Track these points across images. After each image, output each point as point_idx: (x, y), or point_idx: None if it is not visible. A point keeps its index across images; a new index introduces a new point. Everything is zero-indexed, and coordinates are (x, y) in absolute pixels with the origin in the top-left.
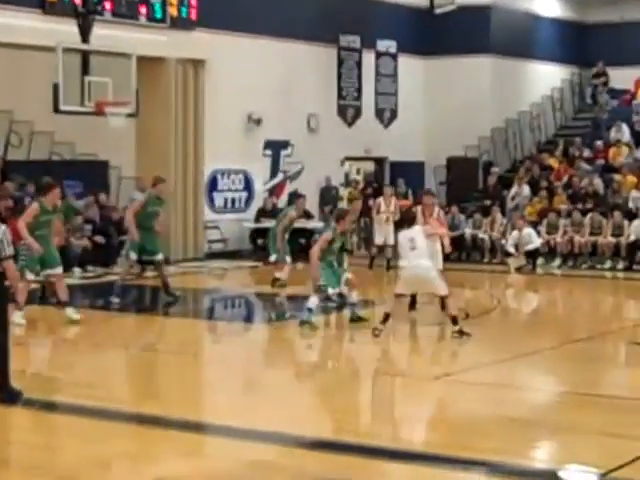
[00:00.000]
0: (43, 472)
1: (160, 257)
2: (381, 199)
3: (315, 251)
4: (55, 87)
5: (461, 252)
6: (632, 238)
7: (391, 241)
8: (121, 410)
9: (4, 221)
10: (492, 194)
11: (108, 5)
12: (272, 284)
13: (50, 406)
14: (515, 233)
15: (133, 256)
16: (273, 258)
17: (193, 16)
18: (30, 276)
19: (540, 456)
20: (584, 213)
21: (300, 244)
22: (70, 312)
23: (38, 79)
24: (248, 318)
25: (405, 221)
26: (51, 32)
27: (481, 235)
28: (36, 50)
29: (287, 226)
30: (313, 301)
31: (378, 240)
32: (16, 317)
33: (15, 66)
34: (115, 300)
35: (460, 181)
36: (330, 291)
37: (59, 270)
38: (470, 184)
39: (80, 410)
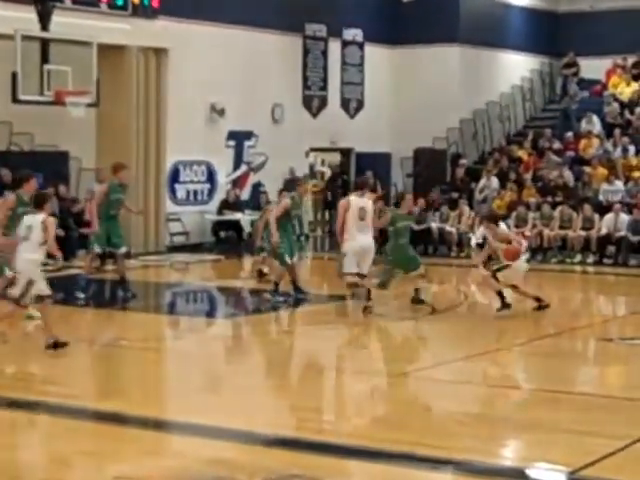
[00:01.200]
0: (5, 474)
1: (123, 250)
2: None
3: (274, 217)
4: (13, 76)
5: (428, 245)
6: (603, 231)
7: None
8: (81, 407)
9: None
10: (460, 186)
11: None
12: (259, 277)
13: (8, 403)
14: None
15: (97, 249)
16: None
17: (155, 4)
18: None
19: (508, 454)
20: (554, 206)
21: None
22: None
23: None
24: (210, 313)
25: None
26: (9, 19)
27: (448, 228)
28: None
29: (280, 216)
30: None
31: None
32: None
33: None
34: (80, 295)
35: (427, 173)
36: (287, 260)
37: None
38: (437, 176)
39: (39, 407)
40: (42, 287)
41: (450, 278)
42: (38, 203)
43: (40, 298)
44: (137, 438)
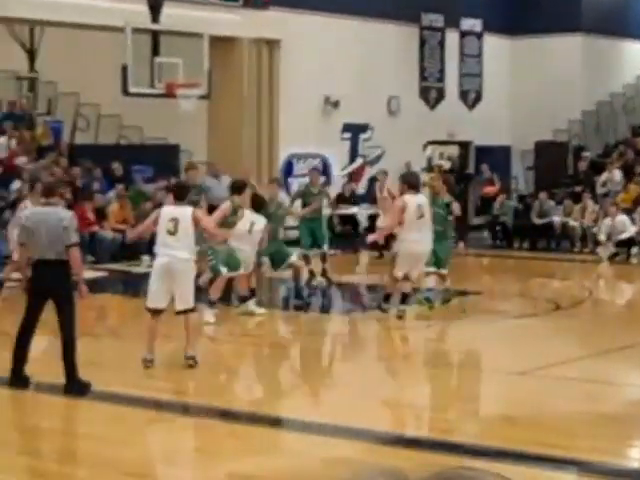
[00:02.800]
0: (111, 468)
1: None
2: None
3: (212, 220)
4: (124, 68)
5: (550, 240)
6: None
7: None
8: (191, 403)
9: (71, 207)
10: (583, 180)
11: None
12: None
13: (116, 398)
14: (607, 221)
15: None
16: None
17: None
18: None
19: (634, 455)
20: None
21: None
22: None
23: (106, 60)
24: (326, 308)
25: None
26: (120, 11)
27: (571, 223)
28: (104, 30)
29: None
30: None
31: None
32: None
33: (82, 47)
34: None
35: (549, 166)
36: (224, 271)
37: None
38: (559, 169)
39: (147, 402)
40: None
41: (573, 274)
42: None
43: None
44: (250, 435)
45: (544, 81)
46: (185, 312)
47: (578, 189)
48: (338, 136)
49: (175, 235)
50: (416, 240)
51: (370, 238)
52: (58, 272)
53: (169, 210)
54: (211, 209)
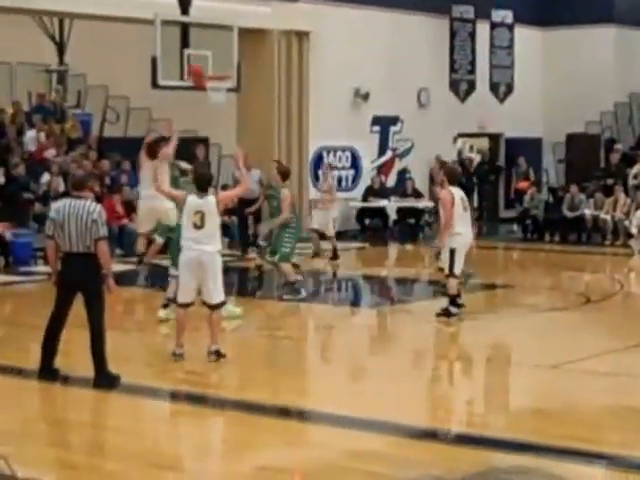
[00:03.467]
0: (140, 460)
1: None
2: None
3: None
4: (153, 61)
5: (581, 234)
6: None
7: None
8: (222, 397)
9: (100, 200)
10: (615, 172)
11: None
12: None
13: (145, 391)
14: (639, 213)
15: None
16: None
17: None
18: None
19: None
20: None
21: (409, 224)
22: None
23: (135, 53)
24: (355, 302)
25: None
26: (149, 4)
27: (603, 216)
28: (133, 23)
29: None
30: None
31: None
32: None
33: (111, 40)
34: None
35: (580, 159)
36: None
37: None
38: (591, 162)
39: (177, 396)
40: None
41: (604, 267)
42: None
43: None
44: (280, 428)
45: (576, 73)
46: (217, 307)
47: (610, 182)
48: (368, 129)
49: (202, 229)
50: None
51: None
52: (87, 265)
53: (194, 202)
54: (240, 203)
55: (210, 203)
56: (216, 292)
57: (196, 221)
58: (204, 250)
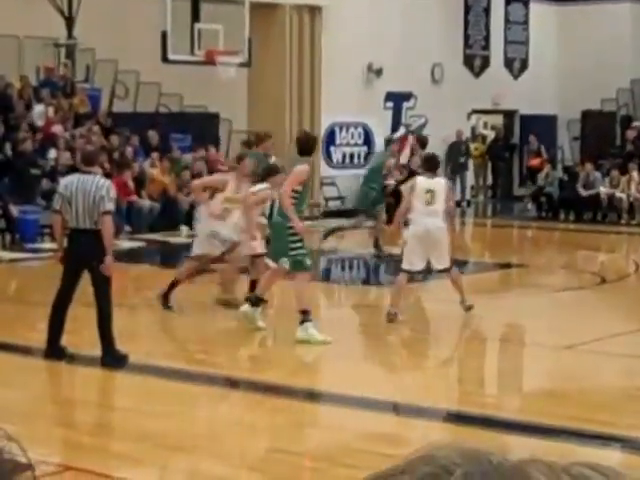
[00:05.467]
0: (148, 440)
1: None
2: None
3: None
4: (163, 35)
5: (597, 212)
6: None
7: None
8: (234, 377)
9: (109, 176)
10: (631, 151)
11: None
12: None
13: (153, 370)
14: None
15: None
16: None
17: None
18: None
19: None
20: None
21: None
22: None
23: (145, 27)
24: (366, 280)
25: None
26: None
27: (618, 194)
28: None
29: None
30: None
31: None
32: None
33: (121, 14)
34: None
35: (596, 136)
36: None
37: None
38: (606, 140)
39: (186, 376)
40: None
41: (620, 246)
42: (433, 165)
43: None
44: (291, 409)
45: (592, 49)
46: (445, 270)
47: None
48: (381, 105)
49: (433, 205)
50: None
51: None
52: (94, 242)
53: (424, 183)
54: None
55: (440, 183)
56: (442, 260)
57: (428, 199)
58: (435, 224)
